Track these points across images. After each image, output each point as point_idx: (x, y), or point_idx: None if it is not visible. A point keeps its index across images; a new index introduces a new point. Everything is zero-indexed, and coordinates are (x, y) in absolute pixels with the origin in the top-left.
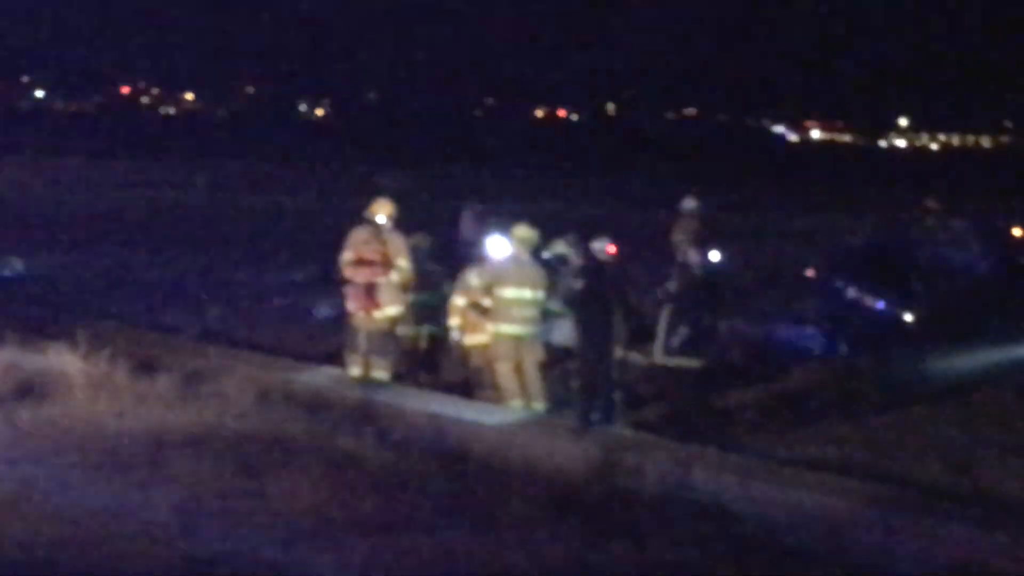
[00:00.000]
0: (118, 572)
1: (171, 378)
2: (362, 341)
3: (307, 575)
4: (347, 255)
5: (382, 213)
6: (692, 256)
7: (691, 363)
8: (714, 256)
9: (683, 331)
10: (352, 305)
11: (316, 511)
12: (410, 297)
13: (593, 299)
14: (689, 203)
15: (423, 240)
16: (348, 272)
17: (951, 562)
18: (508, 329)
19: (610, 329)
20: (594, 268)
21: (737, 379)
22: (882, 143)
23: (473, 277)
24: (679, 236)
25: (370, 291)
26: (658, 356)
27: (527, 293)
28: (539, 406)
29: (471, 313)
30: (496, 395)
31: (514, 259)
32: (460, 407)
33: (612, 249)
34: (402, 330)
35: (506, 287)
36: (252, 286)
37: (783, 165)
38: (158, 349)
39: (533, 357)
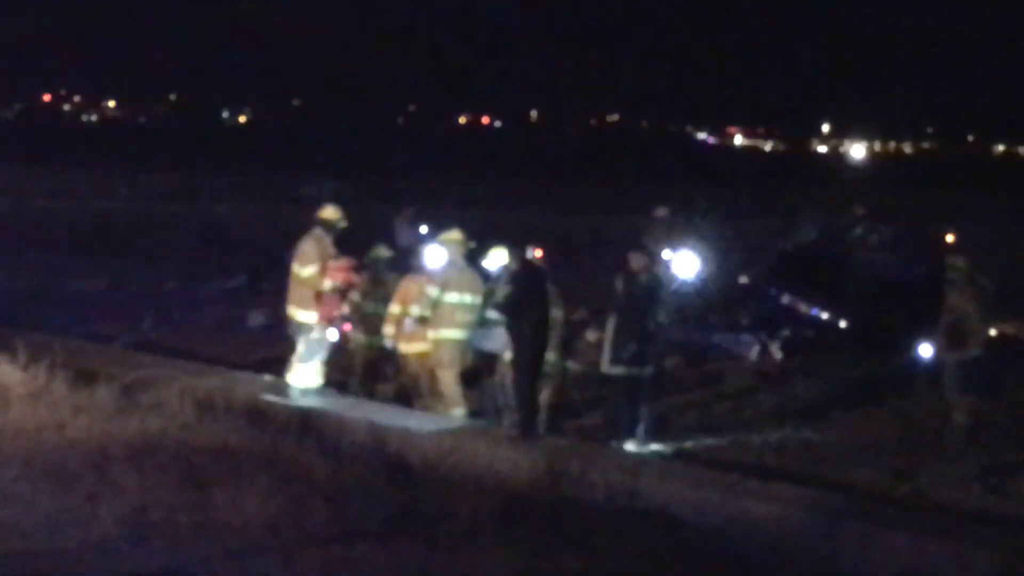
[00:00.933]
0: None
1: (110, 389)
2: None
3: None
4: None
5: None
6: (635, 261)
7: (642, 372)
8: (684, 265)
9: (631, 344)
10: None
11: (264, 523)
12: (368, 307)
13: (525, 305)
14: (661, 211)
15: (383, 251)
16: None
17: (896, 569)
18: (451, 334)
19: (542, 335)
20: (524, 274)
21: (673, 386)
22: (806, 149)
23: (432, 289)
24: (648, 243)
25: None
26: (605, 366)
27: (468, 298)
28: (459, 412)
29: (407, 321)
30: (434, 403)
31: (452, 264)
32: (400, 416)
33: (539, 254)
34: (356, 340)
35: (449, 292)
36: (183, 295)
37: (708, 171)
38: (96, 360)
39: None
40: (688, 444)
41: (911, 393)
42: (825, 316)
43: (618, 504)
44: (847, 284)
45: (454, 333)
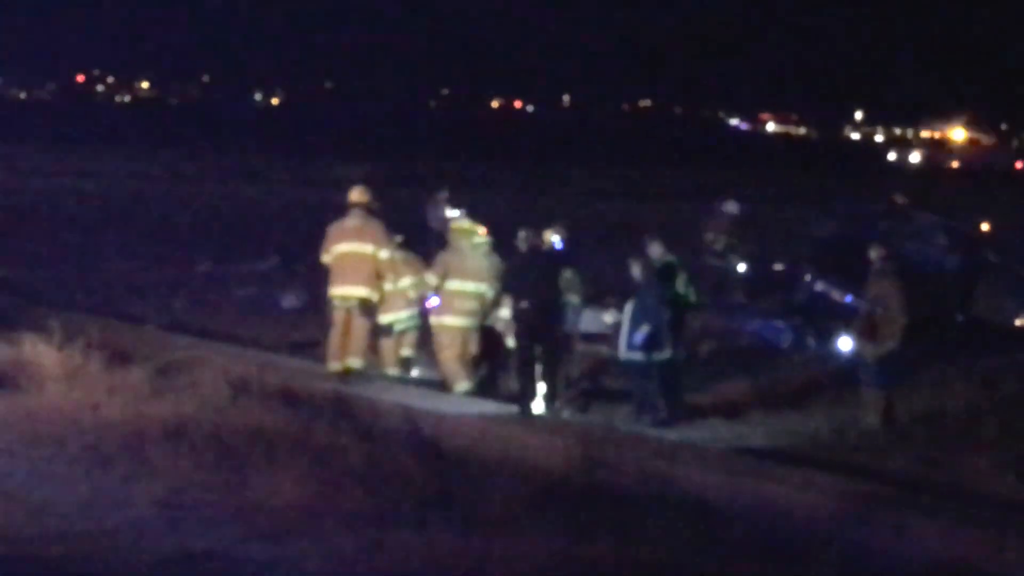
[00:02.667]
0: (105, 567)
1: (144, 370)
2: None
3: (295, 571)
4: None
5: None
6: (654, 249)
7: (656, 357)
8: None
9: (645, 328)
10: None
11: (299, 505)
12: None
13: (527, 287)
14: (730, 206)
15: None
16: None
17: (930, 558)
18: (452, 321)
19: (546, 317)
20: (531, 256)
21: (707, 371)
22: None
23: (431, 276)
24: (710, 236)
25: None
26: (622, 351)
27: (470, 286)
28: (464, 386)
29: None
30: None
31: (455, 251)
32: (433, 399)
33: (554, 238)
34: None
35: (451, 279)
36: (216, 276)
37: (742, 157)
38: (130, 340)
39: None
40: (721, 431)
41: (943, 381)
42: (859, 303)
43: (652, 490)
44: None
45: (456, 320)
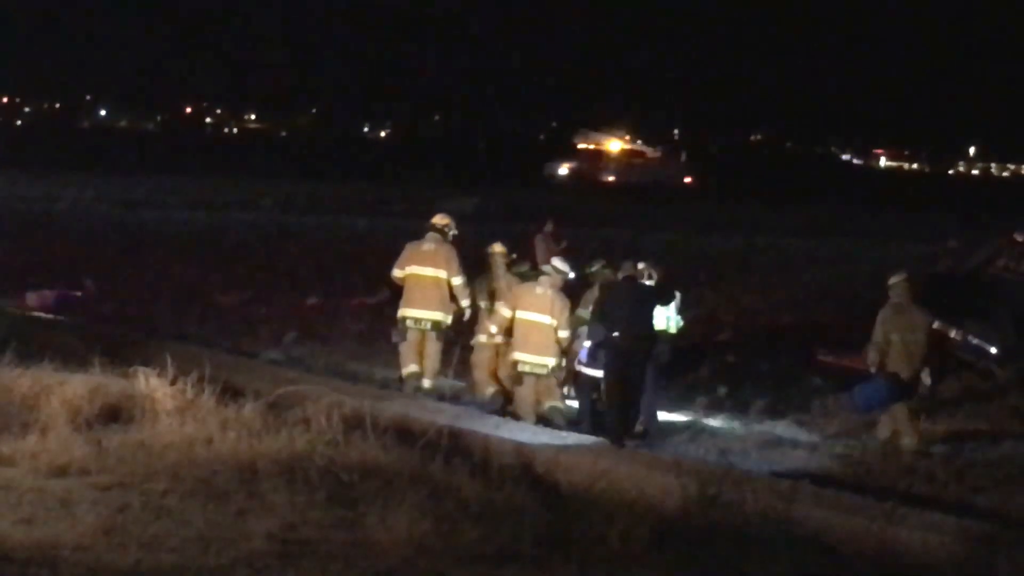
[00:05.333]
0: None
1: (257, 404)
2: None
3: None
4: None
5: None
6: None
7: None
8: None
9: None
10: None
11: (415, 542)
12: None
13: (613, 319)
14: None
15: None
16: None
17: None
18: (482, 339)
19: (632, 349)
20: (619, 288)
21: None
22: (951, 171)
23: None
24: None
25: None
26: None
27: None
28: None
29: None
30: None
31: (492, 276)
32: (545, 435)
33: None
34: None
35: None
36: (326, 310)
37: (855, 192)
38: (242, 374)
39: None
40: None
41: None
42: (976, 342)
43: (771, 530)
44: (999, 310)
45: (484, 339)
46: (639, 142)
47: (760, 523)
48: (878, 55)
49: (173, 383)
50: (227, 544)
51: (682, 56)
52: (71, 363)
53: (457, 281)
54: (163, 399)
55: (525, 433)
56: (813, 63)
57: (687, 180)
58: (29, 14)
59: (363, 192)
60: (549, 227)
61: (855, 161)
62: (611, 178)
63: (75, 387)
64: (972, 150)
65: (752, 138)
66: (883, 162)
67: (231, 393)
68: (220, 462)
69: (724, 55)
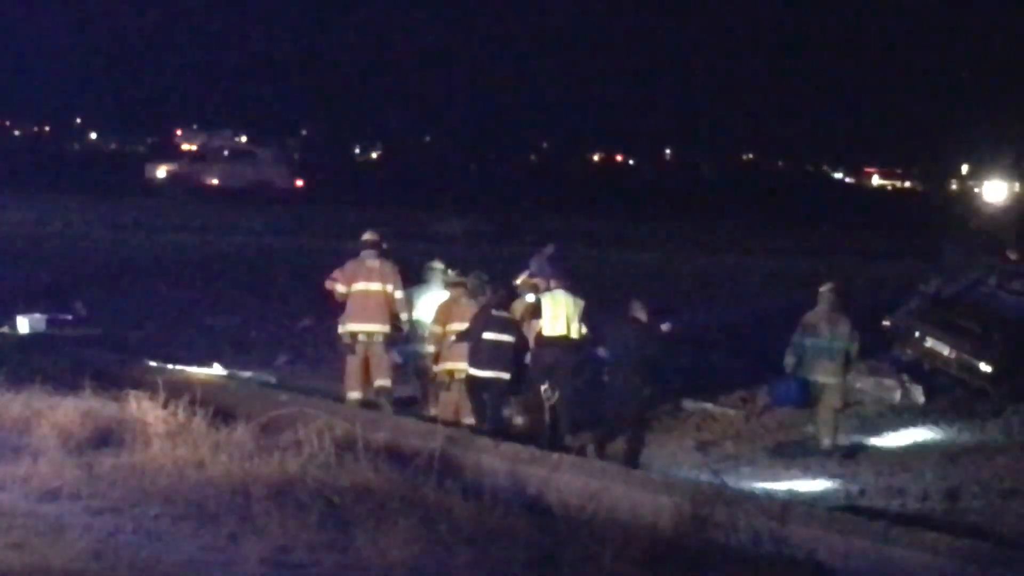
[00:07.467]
0: None
1: (248, 427)
2: None
3: None
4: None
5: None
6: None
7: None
8: None
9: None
10: None
11: (407, 564)
12: None
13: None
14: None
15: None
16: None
17: None
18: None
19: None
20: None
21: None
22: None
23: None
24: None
25: None
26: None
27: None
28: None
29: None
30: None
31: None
32: (539, 457)
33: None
34: None
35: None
36: (317, 332)
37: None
38: (233, 397)
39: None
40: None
41: None
42: (968, 359)
43: (765, 550)
44: (992, 328)
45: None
46: (244, 139)
47: (753, 543)
48: (868, 74)
49: (164, 406)
50: (220, 567)
51: (673, 73)
52: (62, 387)
53: (399, 295)
54: (154, 422)
55: (518, 455)
56: (808, 82)
57: (298, 183)
58: (20, 39)
59: (356, 215)
60: (550, 249)
61: (847, 180)
62: (215, 180)
63: (66, 411)
64: (965, 168)
65: (744, 157)
66: (875, 180)
67: (223, 416)
68: (212, 485)
69: (717, 75)
